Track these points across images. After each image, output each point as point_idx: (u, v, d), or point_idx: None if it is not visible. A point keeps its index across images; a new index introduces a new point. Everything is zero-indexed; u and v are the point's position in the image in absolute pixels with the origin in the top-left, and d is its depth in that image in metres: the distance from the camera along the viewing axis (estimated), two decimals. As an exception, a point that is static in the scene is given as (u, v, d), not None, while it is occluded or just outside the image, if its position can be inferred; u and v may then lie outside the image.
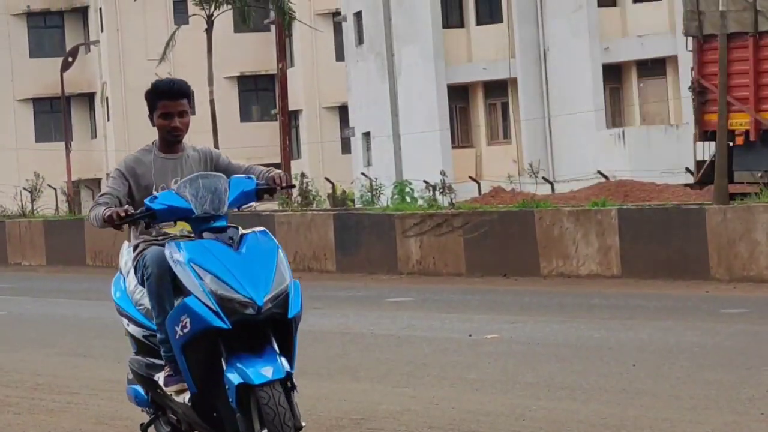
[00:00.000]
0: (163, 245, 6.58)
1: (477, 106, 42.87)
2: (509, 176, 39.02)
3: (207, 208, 6.45)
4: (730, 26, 23.63)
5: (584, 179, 36.22)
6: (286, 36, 44.99)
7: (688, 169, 34.70)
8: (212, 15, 39.72)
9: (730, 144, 23.62)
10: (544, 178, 38.22)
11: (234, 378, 6.15)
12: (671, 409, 8.62)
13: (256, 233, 6.48)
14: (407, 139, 42.48)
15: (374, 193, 34.88)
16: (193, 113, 7.16)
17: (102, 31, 56.73)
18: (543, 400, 9.15)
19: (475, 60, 42.17)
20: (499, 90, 42.46)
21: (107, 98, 56.93)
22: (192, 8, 43.65)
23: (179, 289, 6.41)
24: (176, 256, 6.38)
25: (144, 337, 6.83)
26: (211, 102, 38.53)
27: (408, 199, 30.92)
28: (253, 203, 6.69)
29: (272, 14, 42.26)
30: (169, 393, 6.60)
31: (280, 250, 6.42)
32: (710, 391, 9.24)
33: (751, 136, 24.67)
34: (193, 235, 6.56)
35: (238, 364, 6.19)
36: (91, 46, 55.71)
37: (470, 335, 13.12)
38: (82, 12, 59.00)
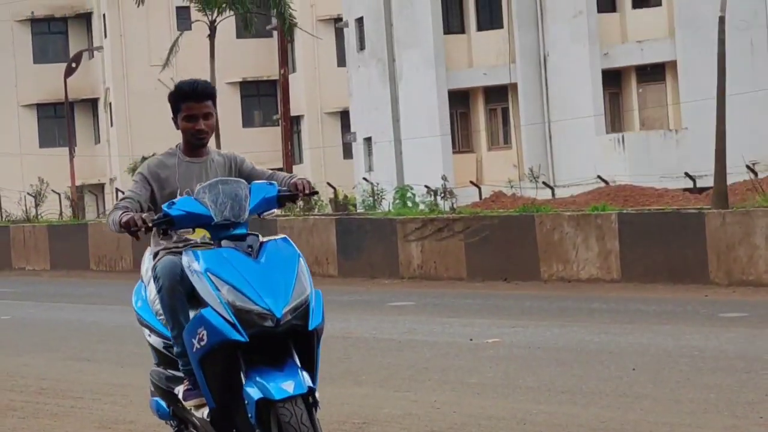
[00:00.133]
0: (182, 253, 6.28)
1: (477, 111, 42.76)
2: (510, 181, 38.94)
3: (227, 215, 6.18)
4: None
5: (584, 184, 36.29)
6: (288, 42, 45.00)
7: (687, 174, 34.88)
8: (215, 21, 39.79)
9: None
10: (544, 182, 38.14)
11: (254, 393, 5.84)
12: (671, 413, 8.63)
13: (276, 241, 6.18)
14: (408, 144, 42.45)
15: (376, 197, 34.99)
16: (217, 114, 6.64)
17: (105, 37, 56.65)
18: (544, 404, 9.18)
19: (476, 65, 42.11)
20: (499, 95, 42.35)
21: (110, 104, 56.80)
22: (195, 14, 43.65)
23: (197, 300, 6.12)
24: (193, 265, 6.08)
25: (165, 347, 6.52)
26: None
27: (409, 204, 30.97)
28: (275, 210, 6.40)
29: (274, 20, 42.33)
30: (188, 407, 6.33)
31: (301, 259, 6.12)
32: (710, 394, 9.26)
33: None
34: (213, 242, 6.26)
35: (257, 378, 5.89)
36: (95, 52, 55.56)
37: (471, 339, 13.18)
38: (86, 18, 58.92)
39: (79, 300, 22.40)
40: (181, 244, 6.42)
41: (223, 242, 6.17)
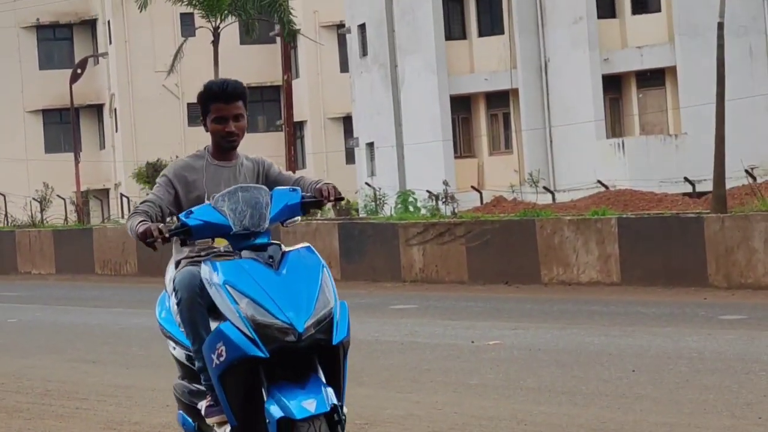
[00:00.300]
0: (210, 260, 5.92)
1: (479, 116, 42.76)
2: (511, 186, 38.96)
3: (246, 224, 5.82)
4: None
5: (584, 188, 36.30)
6: (291, 48, 45.13)
7: (686, 179, 35.04)
8: (218, 27, 39.96)
9: None
10: (544, 187, 38.13)
11: (275, 411, 5.53)
12: (670, 414, 8.64)
13: (299, 250, 5.83)
14: (410, 149, 42.43)
15: (378, 202, 35.15)
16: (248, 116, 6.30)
17: (110, 43, 56.69)
18: (544, 405, 9.19)
19: (477, 71, 42.12)
20: (500, 100, 42.37)
21: (115, 109, 56.76)
22: (198, 21, 43.76)
23: (218, 312, 5.79)
24: (212, 277, 5.75)
25: (188, 360, 6.17)
26: (218, 113, 38.74)
27: (411, 209, 30.98)
28: (298, 218, 6.03)
29: (277, 27, 42.53)
30: (210, 424, 6.01)
31: (325, 269, 5.79)
32: (709, 395, 9.28)
33: None
34: (234, 252, 5.91)
35: (279, 396, 5.58)
36: (100, 58, 55.50)
37: (472, 341, 13.22)
38: (91, 24, 58.93)
39: (84, 303, 22.42)
40: (203, 253, 6.12)
41: (243, 253, 5.81)
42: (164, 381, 10.97)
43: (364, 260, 23.69)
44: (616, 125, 40.91)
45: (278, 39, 44.29)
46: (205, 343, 5.78)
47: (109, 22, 57.10)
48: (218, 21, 39.84)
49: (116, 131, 57.27)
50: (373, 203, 35.69)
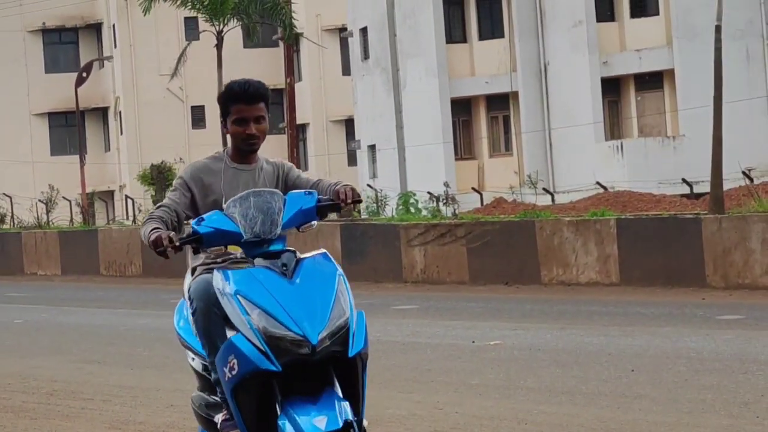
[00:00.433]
0: (222, 269, 5.66)
1: (479, 119, 42.76)
2: (511, 187, 38.96)
3: (257, 231, 5.55)
4: None
5: (583, 190, 36.27)
6: (294, 51, 45.28)
7: (684, 180, 35.22)
8: (222, 31, 40.14)
9: None
10: (544, 188, 38.15)
11: (286, 428, 5.28)
12: (669, 413, 8.66)
13: (314, 258, 5.55)
14: (412, 152, 42.46)
15: (379, 204, 35.29)
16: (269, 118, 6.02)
17: (115, 47, 56.72)
18: (544, 405, 9.21)
19: (478, 74, 42.12)
20: (500, 103, 42.36)
21: (120, 112, 56.76)
22: (202, 24, 43.91)
23: (232, 323, 5.53)
24: (223, 286, 5.49)
25: (206, 371, 5.91)
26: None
27: (412, 210, 30.83)
28: (314, 222, 5.70)
29: (280, 30, 42.72)
30: None
31: (341, 277, 5.49)
32: (707, 395, 9.31)
33: None
34: (247, 260, 5.67)
35: (291, 412, 5.31)
36: (105, 62, 55.52)
37: (473, 342, 13.27)
38: (96, 28, 59.01)
39: (89, 304, 22.46)
40: (219, 260, 5.87)
41: (256, 260, 5.54)
42: (168, 381, 11.27)
43: (366, 261, 23.73)
44: (614, 127, 40.89)
45: (281, 43, 44.46)
46: (218, 356, 5.50)
47: (114, 26, 57.12)
48: (222, 25, 40.01)
49: (121, 134, 57.28)
50: (374, 205, 35.86)
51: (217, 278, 5.53)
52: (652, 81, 40.18)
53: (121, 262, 30.55)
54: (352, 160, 51.01)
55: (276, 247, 5.55)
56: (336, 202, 5.71)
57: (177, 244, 5.57)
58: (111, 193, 57.12)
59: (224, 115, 5.92)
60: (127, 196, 48.30)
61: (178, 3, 39.76)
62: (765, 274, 18.56)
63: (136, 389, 11.01)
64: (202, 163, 6.02)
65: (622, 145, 39.39)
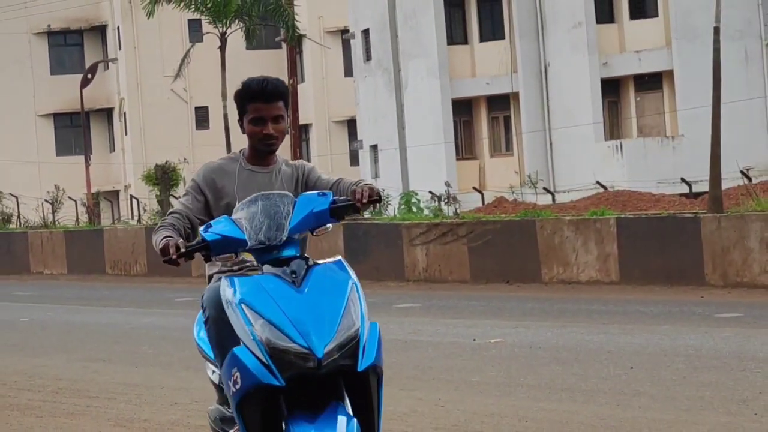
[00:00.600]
0: (229, 276, 5.31)
1: (480, 119, 42.83)
2: (511, 187, 39.01)
3: (262, 237, 5.16)
4: None
5: (583, 189, 36.35)
6: (297, 53, 45.44)
7: (683, 180, 35.40)
8: (225, 33, 40.34)
9: None
10: (544, 188, 38.22)
11: None
12: (668, 410, 8.68)
13: (326, 265, 5.14)
14: (413, 152, 42.54)
15: (381, 203, 35.47)
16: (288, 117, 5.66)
17: (120, 48, 56.89)
18: (544, 402, 9.24)
19: (479, 75, 42.22)
20: (501, 104, 42.44)
21: (125, 113, 56.88)
22: (206, 26, 44.05)
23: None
24: (229, 294, 5.11)
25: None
26: (225, 116, 39.16)
27: (414, 210, 30.82)
28: (330, 225, 5.26)
29: (283, 32, 42.94)
30: None
31: (353, 286, 5.10)
32: (705, 392, 9.33)
33: None
34: (257, 266, 5.31)
35: (293, 429, 4.96)
36: (110, 63, 55.51)
37: (474, 340, 13.30)
38: (101, 30, 59.16)
39: (95, 303, 22.50)
40: (236, 267, 5.54)
41: (265, 267, 5.16)
42: (173, 379, 11.40)
43: (368, 260, 23.79)
44: (614, 128, 40.95)
45: (284, 44, 44.68)
46: (222, 368, 5.15)
47: (118, 28, 57.29)
48: (225, 27, 40.21)
49: (126, 134, 57.43)
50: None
51: (224, 286, 5.17)
52: (652, 82, 40.26)
53: (127, 261, 30.63)
54: (354, 160, 51.12)
55: (288, 252, 5.17)
56: (352, 203, 5.27)
57: (183, 250, 5.22)
58: (116, 193, 57.17)
59: (241, 114, 5.59)
60: (132, 196, 48.49)
61: (182, 5, 39.98)
62: (763, 273, 18.62)
63: (140, 387, 11.04)
64: (216, 164, 5.67)
65: (622, 145, 39.46)
